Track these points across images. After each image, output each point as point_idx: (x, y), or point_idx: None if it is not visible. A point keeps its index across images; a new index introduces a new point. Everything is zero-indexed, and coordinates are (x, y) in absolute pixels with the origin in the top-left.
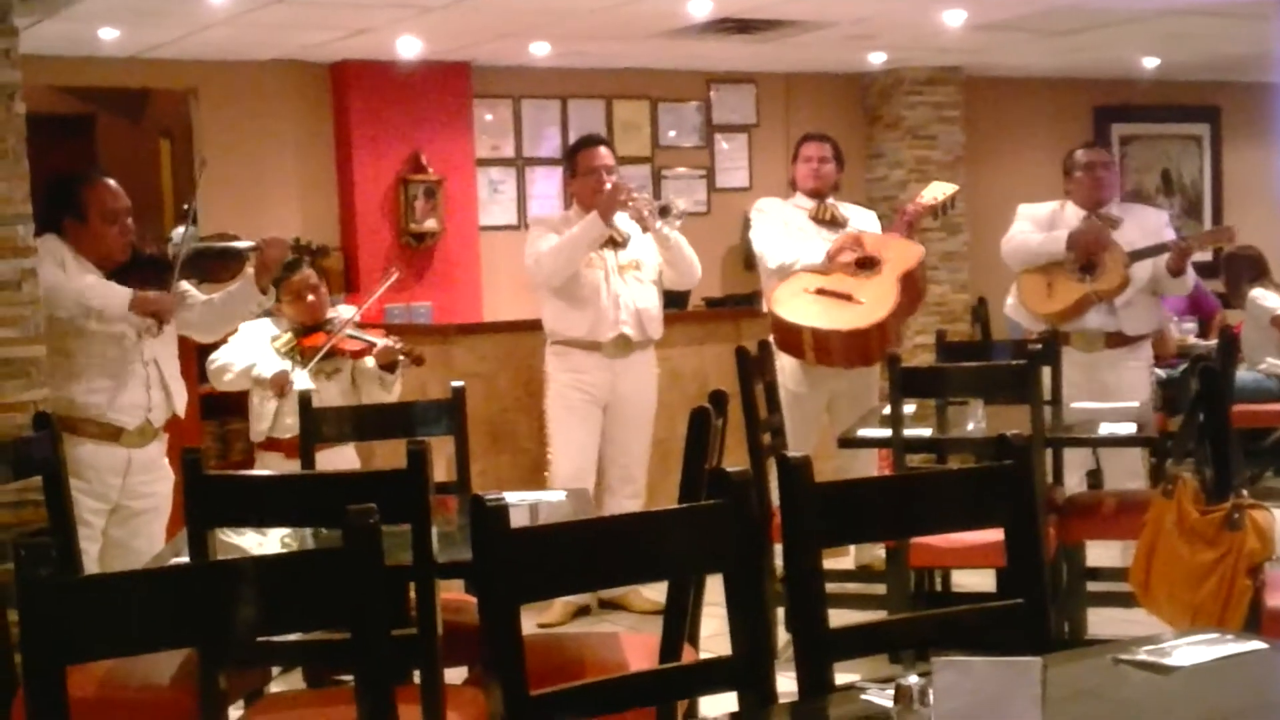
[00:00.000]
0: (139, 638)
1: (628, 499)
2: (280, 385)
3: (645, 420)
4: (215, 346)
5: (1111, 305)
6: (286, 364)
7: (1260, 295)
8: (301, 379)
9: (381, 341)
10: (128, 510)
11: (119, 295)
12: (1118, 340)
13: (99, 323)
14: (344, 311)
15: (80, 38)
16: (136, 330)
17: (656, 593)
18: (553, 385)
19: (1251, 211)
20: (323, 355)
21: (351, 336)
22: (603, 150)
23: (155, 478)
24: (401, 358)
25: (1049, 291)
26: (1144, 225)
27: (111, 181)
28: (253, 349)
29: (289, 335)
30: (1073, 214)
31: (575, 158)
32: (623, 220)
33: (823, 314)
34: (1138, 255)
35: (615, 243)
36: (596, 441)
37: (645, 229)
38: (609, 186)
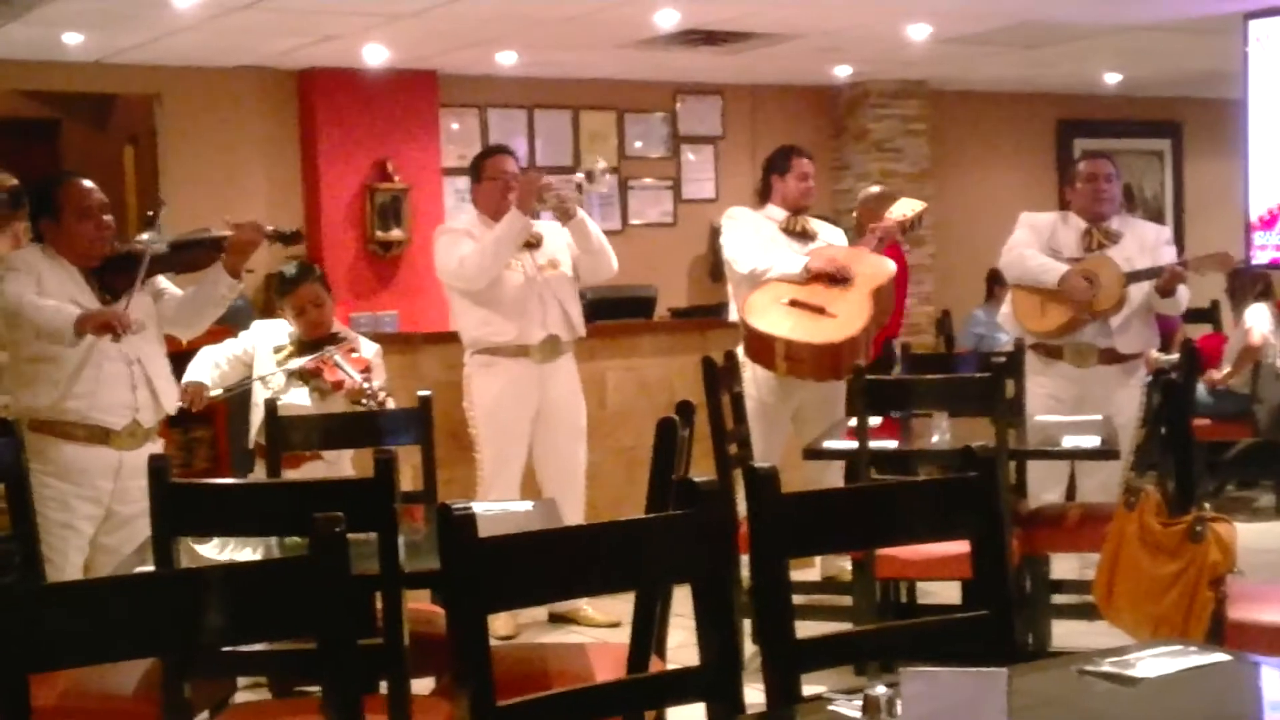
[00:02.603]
0: (103, 647)
1: (571, 506)
2: (189, 395)
3: (579, 425)
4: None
5: (1106, 323)
6: (203, 375)
7: (1252, 313)
8: (300, 395)
9: (354, 378)
10: (119, 516)
11: (65, 318)
12: (1111, 357)
13: (52, 343)
14: (353, 333)
15: (45, 42)
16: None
17: (608, 606)
18: (479, 401)
19: (1212, 226)
20: (311, 375)
21: (336, 364)
22: (509, 159)
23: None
24: (365, 400)
25: (1042, 310)
26: (1144, 241)
27: (85, 180)
28: (210, 357)
29: (289, 351)
30: (1074, 225)
31: (482, 164)
32: (538, 222)
33: (796, 325)
34: (1134, 277)
35: (530, 244)
36: (526, 453)
37: (565, 219)
38: (522, 177)
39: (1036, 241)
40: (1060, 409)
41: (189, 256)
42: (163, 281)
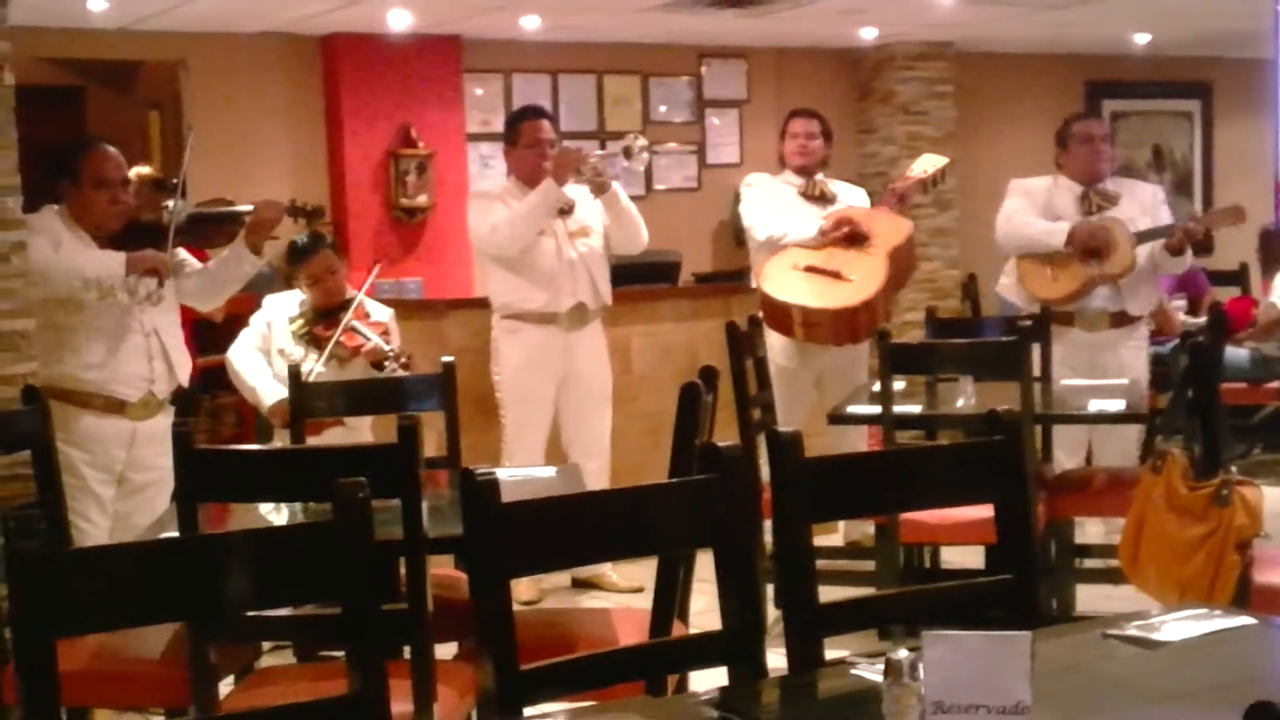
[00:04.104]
0: (129, 611)
1: (595, 473)
2: (280, 417)
3: (605, 393)
4: (228, 326)
5: (1116, 286)
6: (283, 391)
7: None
8: (316, 366)
9: (375, 340)
10: (131, 484)
11: (114, 259)
12: (1121, 320)
13: (99, 294)
14: (368, 299)
15: (69, 9)
16: (136, 295)
17: (631, 572)
18: (505, 367)
19: (1241, 188)
20: (327, 341)
21: (354, 329)
22: (545, 123)
23: (161, 451)
24: (388, 362)
25: (1052, 275)
26: (1141, 201)
27: (111, 149)
28: (257, 364)
29: (303, 320)
30: (1067, 189)
31: (517, 127)
32: (568, 187)
33: (811, 292)
34: (1145, 237)
35: (562, 211)
36: (550, 420)
37: (599, 193)
38: (555, 151)
39: (1034, 208)
40: (1073, 376)
41: (210, 231)
42: (182, 254)
